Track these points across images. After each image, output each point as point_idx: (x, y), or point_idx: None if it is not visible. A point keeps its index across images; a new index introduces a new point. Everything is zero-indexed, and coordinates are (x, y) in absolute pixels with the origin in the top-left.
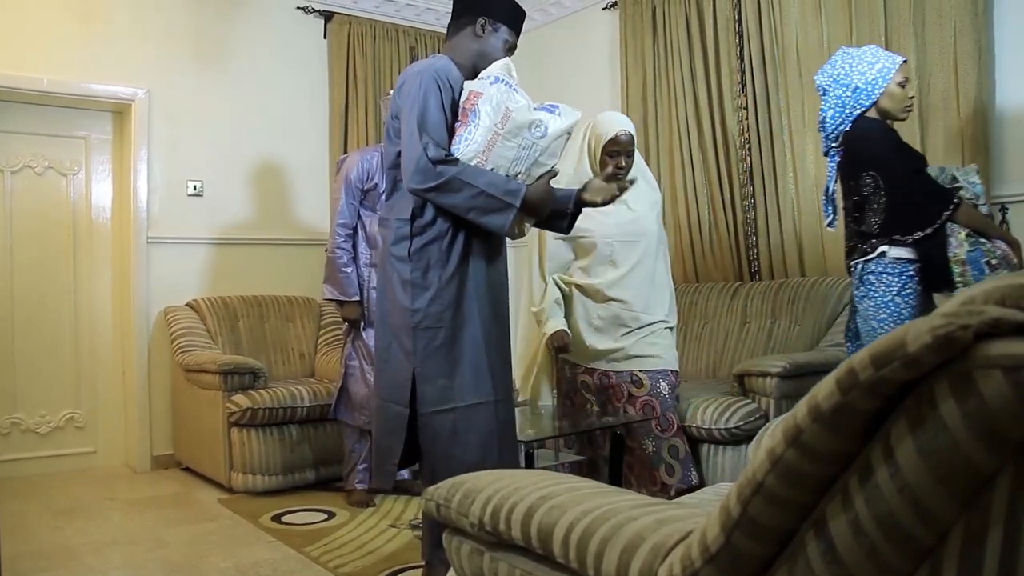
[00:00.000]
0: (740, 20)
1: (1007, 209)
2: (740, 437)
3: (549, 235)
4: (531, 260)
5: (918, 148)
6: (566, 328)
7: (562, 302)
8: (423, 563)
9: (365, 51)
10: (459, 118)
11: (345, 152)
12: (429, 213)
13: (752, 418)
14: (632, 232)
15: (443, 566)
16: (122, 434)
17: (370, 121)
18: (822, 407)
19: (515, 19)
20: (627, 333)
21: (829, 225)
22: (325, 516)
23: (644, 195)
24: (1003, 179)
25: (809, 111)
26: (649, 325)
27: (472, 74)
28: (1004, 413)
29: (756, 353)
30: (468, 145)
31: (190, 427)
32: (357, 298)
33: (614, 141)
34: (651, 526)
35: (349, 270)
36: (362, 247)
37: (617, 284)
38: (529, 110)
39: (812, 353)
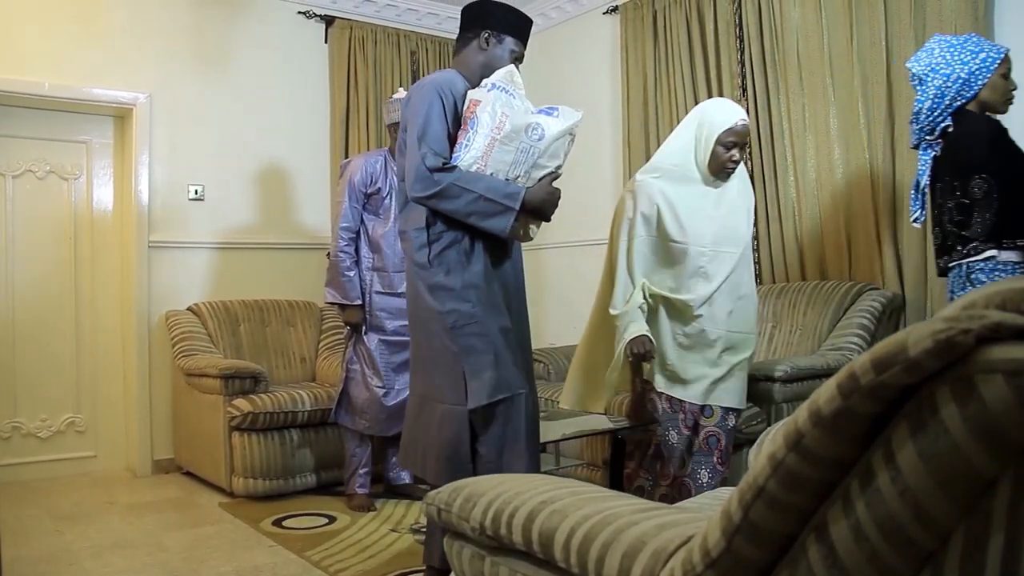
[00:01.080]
0: (741, 24)
1: None
2: (741, 441)
3: (638, 237)
4: (616, 262)
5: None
6: (649, 334)
7: (645, 309)
8: (424, 567)
9: (366, 55)
10: (460, 127)
11: (346, 156)
12: (441, 220)
13: (753, 422)
14: (727, 240)
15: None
16: (123, 438)
17: (371, 125)
18: (823, 411)
19: (520, 30)
20: (714, 355)
21: (915, 221)
22: (326, 520)
23: (741, 198)
24: None
25: (809, 114)
26: (736, 352)
27: None
28: (1005, 418)
29: (757, 357)
30: (468, 152)
31: (191, 431)
32: (359, 302)
33: (732, 131)
34: (652, 531)
35: (352, 274)
36: (364, 251)
37: (709, 300)
38: (525, 113)
39: (813, 357)
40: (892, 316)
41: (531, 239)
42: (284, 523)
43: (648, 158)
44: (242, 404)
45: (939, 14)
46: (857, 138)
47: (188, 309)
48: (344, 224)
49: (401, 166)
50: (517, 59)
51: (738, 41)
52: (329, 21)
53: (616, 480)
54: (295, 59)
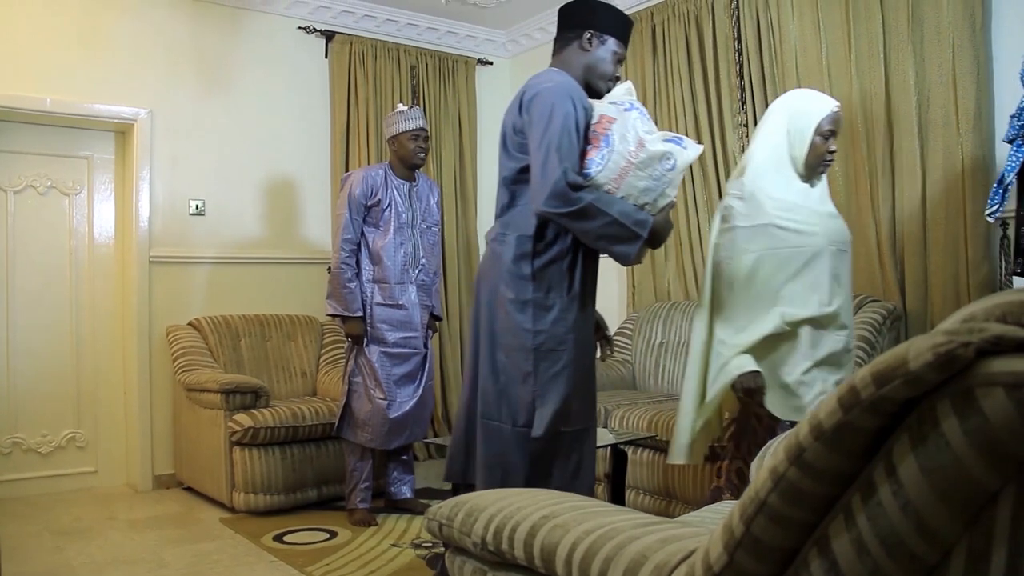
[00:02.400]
0: (739, 38)
1: (1007, 224)
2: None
3: (751, 252)
4: (728, 284)
5: (917, 165)
6: (758, 367)
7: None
8: None
9: (366, 70)
10: (590, 141)
11: (347, 171)
12: (551, 232)
13: None
14: (844, 237)
15: None
16: (123, 454)
17: (371, 140)
18: (824, 425)
19: (622, 30)
20: (849, 370)
21: (991, 216)
22: (327, 535)
23: (827, 192)
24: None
25: None
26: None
27: (584, 88)
28: (1006, 431)
29: None
30: (600, 171)
31: (192, 446)
32: (360, 314)
33: (831, 119)
34: (654, 545)
35: (353, 285)
36: (365, 263)
37: (846, 306)
38: (661, 141)
39: None
40: (892, 328)
41: (640, 263)
42: (285, 538)
43: None
44: (243, 419)
45: (937, 27)
46: (856, 151)
47: (189, 324)
48: (345, 236)
49: (509, 167)
50: (619, 61)
51: (737, 55)
52: (329, 36)
53: (617, 494)
54: (295, 74)
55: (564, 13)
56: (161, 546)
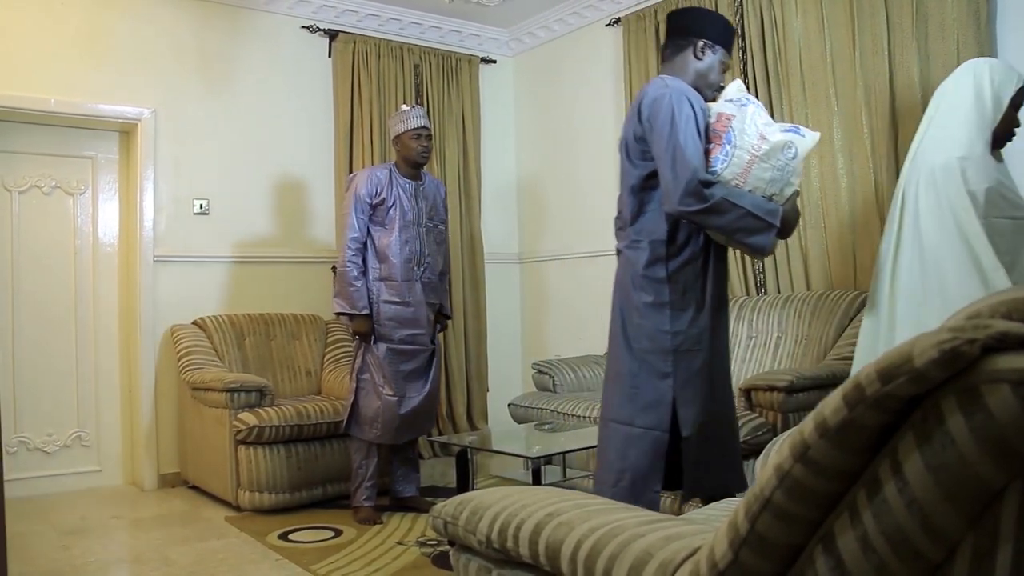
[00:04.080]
0: (743, 34)
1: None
2: (747, 452)
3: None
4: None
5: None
6: None
7: None
8: None
9: (370, 69)
10: (710, 140)
11: (351, 169)
12: (683, 235)
13: (759, 432)
14: None
15: None
16: (129, 452)
17: (375, 138)
18: (829, 422)
19: (729, 41)
20: None
21: None
22: (332, 534)
23: None
24: None
25: (812, 124)
26: None
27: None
28: (1011, 428)
29: (762, 367)
30: (726, 167)
31: (197, 445)
32: (367, 311)
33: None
34: (658, 543)
35: (359, 284)
36: (372, 261)
37: None
38: (780, 132)
39: (819, 367)
40: None
41: (770, 255)
42: (290, 537)
43: None
44: (248, 418)
45: (941, 23)
46: (861, 147)
47: (193, 323)
48: (351, 235)
49: (633, 175)
50: (725, 69)
51: (741, 52)
52: (333, 35)
53: None
54: (299, 73)
55: (675, 22)
56: (166, 545)
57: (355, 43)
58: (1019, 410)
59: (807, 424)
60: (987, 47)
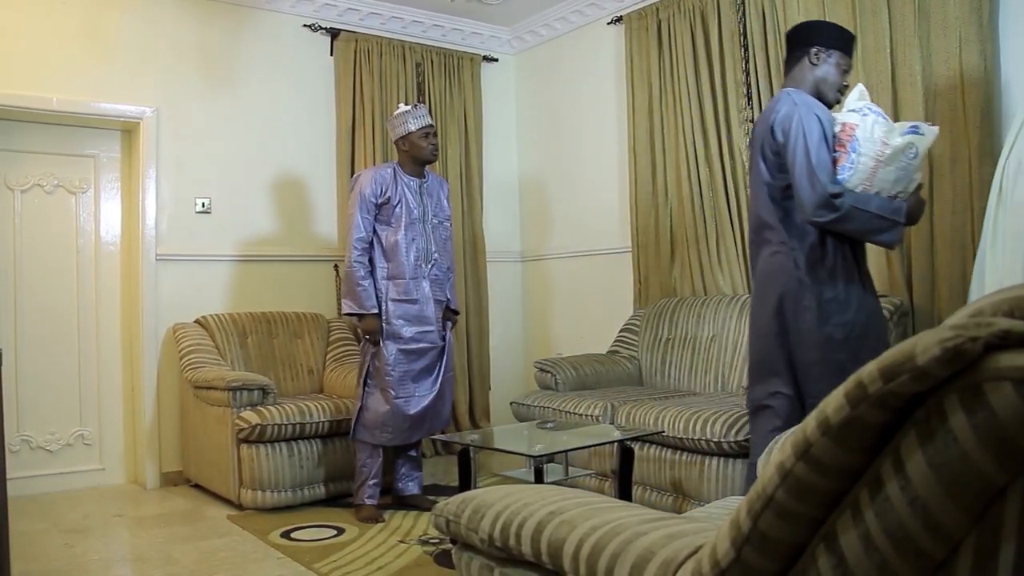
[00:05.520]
0: (745, 33)
1: None
2: (748, 451)
3: None
4: None
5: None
6: None
7: None
8: None
9: (372, 68)
10: (836, 148)
11: (352, 168)
12: (828, 236)
13: None
14: None
15: None
16: (131, 451)
17: (377, 137)
18: (831, 420)
19: (845, 43)
20: None
21: None
22: (335, 532)
23: None
24: None
25: None
26: None
27: (816, 99)
28: (1014, 425)
29: None
30: (852, 174)
31: (199, 444)
32: (375, 311)
33: None
34: (661, 541)
35: (366, 283)
36: (380, 260)
37: None
38: (900, 135)
39: None
40: (900, 324)
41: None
42: (293, 535)
43: (654, 167)
44: (250, 416)
45: (943, 21)
46: None
47: (196, 322)
48: (357, 235)
49: (775, 186)
50: (845, 71)
51: (743, 50)
52: (334, 34)
53: (624, 490)
54: (301, 72)
55: (792, 37)
56: (169, 543)
57: (357, 42)
58: (1022, 408)
59: (810, 422)
60: (989, 45)
